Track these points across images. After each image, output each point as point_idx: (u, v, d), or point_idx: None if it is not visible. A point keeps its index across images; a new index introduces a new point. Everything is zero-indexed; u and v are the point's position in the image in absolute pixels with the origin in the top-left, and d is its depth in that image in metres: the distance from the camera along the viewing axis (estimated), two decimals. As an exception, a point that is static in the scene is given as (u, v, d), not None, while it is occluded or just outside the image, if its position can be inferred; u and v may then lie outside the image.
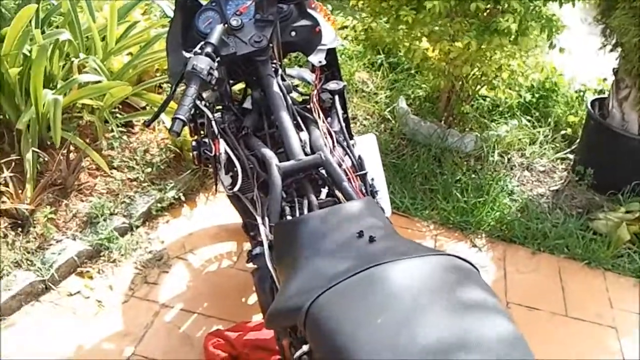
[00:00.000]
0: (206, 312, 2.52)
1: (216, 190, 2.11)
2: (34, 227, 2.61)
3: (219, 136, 2.00)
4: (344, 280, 1.27)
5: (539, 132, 3.94)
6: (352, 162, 1.97)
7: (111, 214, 2.80)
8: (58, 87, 2.84)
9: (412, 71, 4.26)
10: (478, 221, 3.19)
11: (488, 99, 4.02)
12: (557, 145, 3.91)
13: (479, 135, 3.73)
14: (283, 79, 2.09)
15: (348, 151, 1.98)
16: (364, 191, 1.88)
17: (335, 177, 1.81)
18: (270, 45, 2.04)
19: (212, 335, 2.34)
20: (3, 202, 2.57)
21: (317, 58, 2.06)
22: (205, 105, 2.01)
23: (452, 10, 3.20)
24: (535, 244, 3.13)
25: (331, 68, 2.22)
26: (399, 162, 3.56)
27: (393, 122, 3.90)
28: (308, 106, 2.09)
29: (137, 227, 2.84)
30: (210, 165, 2.11)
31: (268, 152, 1.88)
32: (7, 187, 2.60)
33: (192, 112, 2.10)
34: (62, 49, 3.01)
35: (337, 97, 2.12)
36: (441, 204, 3.26)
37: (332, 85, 2.13)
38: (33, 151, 2.73)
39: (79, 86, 2.89)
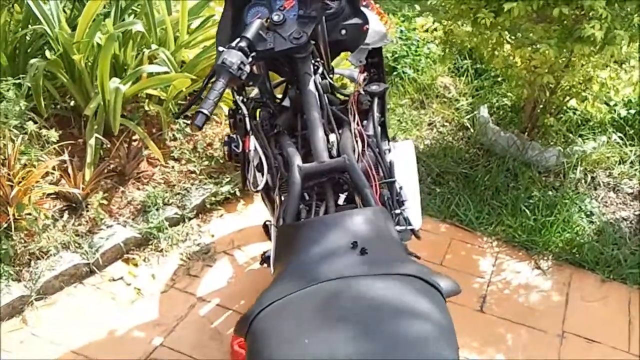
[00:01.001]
0: (241, 309, 2.49)
1: (243, 187, 2.07)
2: (87, 211, 2.68)
3: (250, 133, 1.96)
4: (292, 294, 1.20)
5: (630, 151, 3.65)
6: (382, 168, 1.88)
7: (165, 204, 2.83)
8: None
9: (499, 79, 4.06)
10: (545, 241, 2.99)
11: (577, 113, 3.76)
12: (651, 166, 3.61)
13: (562, 150, 3.50)
14: (324, 78, 2.02)
15: (379, 157, 1.89)
16: (387, 199, 1.79)
17: (357, 183, 1.72)
18: (312, 42, 1.98)
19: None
20: (61, 184, 2.66)
21: (357, 57, 1.98)
22: (242, 101, 1.98)
23: (534, 14, 3.01)
24: (607, 271, 2.89)
25: (378, 68, 2.13)
26: (470, 173, 3.40)
27: (472, 130, 3.74)
28: (348, 107, 2.02)
29: (190, 219, 2.87)
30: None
31: (292, 152, 1.82)
32: (67, 170, 2.68)
33: (235, 107, 2.09)
34: (136, 40, 3.08)
35: (375, 100, 2.02)
36: (507, 220, 3.08)
37: (373, 87, 2.05)
38: (96, 137, 2.81)
39: (147, 76, 2.95)
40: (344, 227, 1.48)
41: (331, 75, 2.11)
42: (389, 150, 1.99)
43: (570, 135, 3.64)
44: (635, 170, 3.56)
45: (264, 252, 1.89)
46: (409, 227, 1.82)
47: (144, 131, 2.93)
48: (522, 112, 3.72)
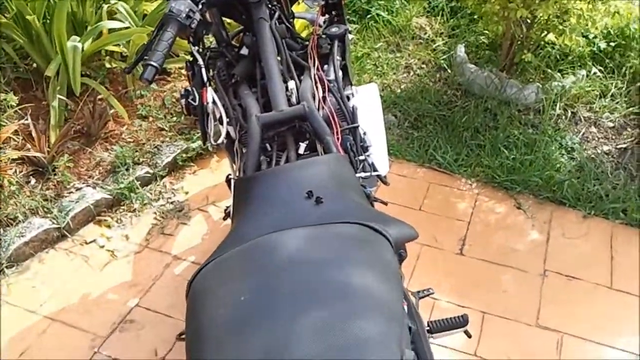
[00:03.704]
0: (217, 266, 2.46)
1: (204, 142, 2.00)
2: (54, 174, 2.61)
3: (207, 84, 1.88)
4: (232, 250, 1.15)
5: (611, 84, 3.57)
6: (345, 114, 1.81)
7: (135, 164, 2.77)
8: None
9: (475, 16, 3.95)
10: (525, 180, 2.94)
11: (556, 48, 3.67)
12: (631, 99, 3.54)
13: (541, 86, 3.43)
14: (281, 22, 1.93)
15: (341, 102, 1.82)
16: (350, 146, 1.73)
17: (318, 130, 1.66)
18: None
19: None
20: (26, 149, 2.59)
21: None
22: (198, 52, 1.90)
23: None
24: (589, 207, 2.85)
25: (337, 10, 2.05)
26: (449, 115, 3.33)
27: (449, 71, 3.66)
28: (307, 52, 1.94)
29: (162, 177, 2.81)
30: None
31: (250, 102, 1.75)
32: (31, 134, 2.60)
33: (191, 60, 2.01)
34: (94, -5, 2.97)
35: (336, 43, 1.94)
36: (486, 161, 3.03)
37: (333, 29, 1.96)
38: (59, 99, 2.72)
39: (109, 32, 2.85)
40: (300, 176, 1.43)
41: (290, 20, 2.03)
42: (352, 95, 1.92)
43: (549, 71, 3.57)
44: (616, 103, 3.50)
45: (227, 207, 1.84)
46: (374, 173, 1.77)
47: (109, 90, 2.85)
48: (500, 50, 3.64)
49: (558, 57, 3.69)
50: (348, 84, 1.95)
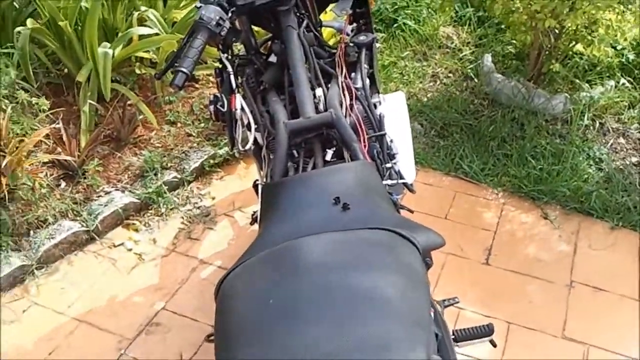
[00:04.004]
0: (243, 271, 2.47)
1: (231, 148, 2.02)
2: (84, 178, 2.66)
3: (236, 91, 1.90)
4: (262, 254, 1.16)
5: (640, 94, 3.54)
6: (372, 121, 1.82)
7: (163, 168, 2.80)
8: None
9: (502, 26, 3.94)
10: (552, 191, 2.92)
11: (584, 58, 3.65)
12: (661, 110, 3.50)
13: (569, 96, 3.41)
14: (310, 31, 1.95)
15: (368, 110, 1.83)
16: (377, 153, 1.74)
17: (345, 137, 1.67)
18: None
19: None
20: (57, 152, 2.63)
21: (341, 7, 1.90)
22: (227, 59, 1.93)
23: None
24: (616, 218, 2.82)
25: (365, 18, 2.06)
26: (475, 124, 3.32)
27: (476, 80, 3.65)
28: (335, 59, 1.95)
29: (189, 182, 2.83)
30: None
31: (278, 108, 1.77)
32: (61, 138, 2.65)
33: (221, 66, 2.04)
34: (124, 2, 3.01)
35: (363, 51, 1.96)
36: (513, 171, 3.02)
37: (361, 37, 1.97)
38: (90, 104, 2.77)
39: (138, 39, 2.90)
40: (327, 182, 1.44)
41: (318, 28, 2.05)
42: (379, 103, 1.93)
43: (577, 81, 3.54)
44: (645, 114, 3.47)
45: (254, 212, 1.86)
46: (401, 181, 1.77)
47: (138, 96, 2.89)
48: (527, 60, 3.62)
49: (586, 67, 3.66)
50: (375, 91, 1.97)
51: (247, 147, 1.86)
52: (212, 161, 2.89)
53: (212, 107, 1.96)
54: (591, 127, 3.36)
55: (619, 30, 3.23)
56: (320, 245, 1.16)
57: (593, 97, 3.43)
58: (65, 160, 2.59)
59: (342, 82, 1.84)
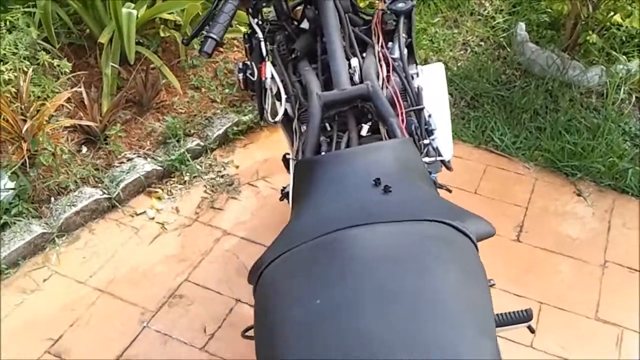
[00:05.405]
0: (267, 243, 2.38)
1: (260, 118, 1.94)
2: (106, 144, 2.59)
3: (266, 59, 1.81)
4: (304, 244, 1.07)
5: (679, 68, 3.40)
6: (409, 94, 1.73)
7: (186, 135, 2.73)
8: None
9: (537, -7, 3.80)
10: (587, 166, 2.82)
11: (622, 29, 3.50)
12: (700, 84, 3.36)
13: (605, 69, 3.28)
14: None
15: (405, 82, 1.73)
16: (415, 129, 1.65)
17: (382, 111, 1.58)
18: None
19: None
20: (78, 116, 2.56)
21: None
22: (257, 24, 1.83)
23: None
24: (652, 196, 2.74)
25: None
26: (507, 95, 3.21)
27: (508, 50, 3.52)
28: (371, 27, 1.85)
29: (213, 150, 2.76)
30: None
31: (311, 79, 1.68)
32: (83, 102, 2.58)
33: (250, 31, 1.95)
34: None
35: (401, 19, 1.85)
36: (546, 145, 2.91)
37: (399, 4, 1.86)
38: (112, 67, 2.69)
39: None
40: (366, 162, 1.35)
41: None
42: (417, 75, 1.83)
43: (614, 53, 3.41)
44: (683, 88, 3.34)
45: (284, 188, 1.78)
46: (439, 158, 1.69)
47: (162, 59, 2.80)
48: (563, 30, 3.49)
49: (624, 39, 3.52)
50: (413, 62, 1.86)
51: (277, 118, 1.78)
52: (235, 128, 2.81)
53: (241, 75, 1.87)
54: (627, 102, 3.24)
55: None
56: (373, 240, 1.07)
57: (630, 70, 3.30)
58: (87, 125, 2.52)
59: (378, 52, 1.74)
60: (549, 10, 3.64)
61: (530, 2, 3.77)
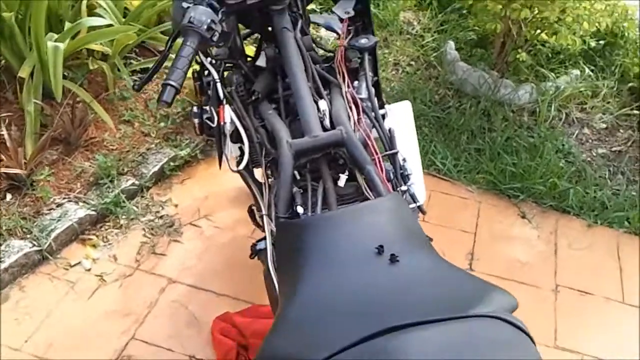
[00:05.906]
0: (218, 289, 2.26)
1: (220, 166, 1.80)
2: (33, 189, 2.37)
3: (224, 102, 1.68)
4: (346, 350, 0.94)
5: (602, 83, 3.49)
6: (381, 138, 1.64)
7: (119, 174, 2.54)
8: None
9: (464, 11, 3.81)
10: (529, 187, 2.84)
11: (547, 46, 3.57)
12: (622, 99, 3.47)
13: (534, 86, 3.32)
14: (305, 33, 1.74)
15: (376, 124, 1.64)
16: (392, 176, 1.56)
17: (357, 158, 1.48)
18: None
19: (221, 319, 2.10)
20: (1, 162, 2.33)
21: (344, 7, 1.71)
22: (211, 63, 1.70)
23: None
24: (592, 215, 2.77)
25: (363, 18, 1.86)
26: (443, 116, 3.19)
27: (440, 69, 3.52)
28: (333, 65, 1.76)
29: (149, 188, 2.58)
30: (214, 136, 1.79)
31: (278, 125, 1.57)
32: (5, 144, 2.34)
33: (199, 70, 1.81)
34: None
35: (366, 56, 1.76)
36: (487, 167, 2.91)
37: (362, 40, 1.77)
38: (35, 103, 2.46)
39: (88, 30, 2.59)
40: (361, 225, 1.24)
41: (309, 28, 1.84)
42: (386, 115, 1.74)
43: (542, 70, 3.46)
44: (608, 103, 3.43)
45: (254, 244, 1.64)
46: (417, 204, 1.61)
47: (88, 92, 2.59)
48: (491, 47, 3.52)
49: (549, 55, 3.59)
50: (380, 102, 1.78)
51: (241, 167, 1.65)
52: (172, 164, 2.64)
53: (196, 120, 1.74)
54: (557, 118, 3.30)
55: (587, 20, 3.14)
56: (427, 348, 0.95)
57: (559, 86, 3.36)
58: (12, 171, 2.29)
59: (346, 93, 1.65)
60: (476, 28, 3.66)
61: (457, 20, 3.79)
